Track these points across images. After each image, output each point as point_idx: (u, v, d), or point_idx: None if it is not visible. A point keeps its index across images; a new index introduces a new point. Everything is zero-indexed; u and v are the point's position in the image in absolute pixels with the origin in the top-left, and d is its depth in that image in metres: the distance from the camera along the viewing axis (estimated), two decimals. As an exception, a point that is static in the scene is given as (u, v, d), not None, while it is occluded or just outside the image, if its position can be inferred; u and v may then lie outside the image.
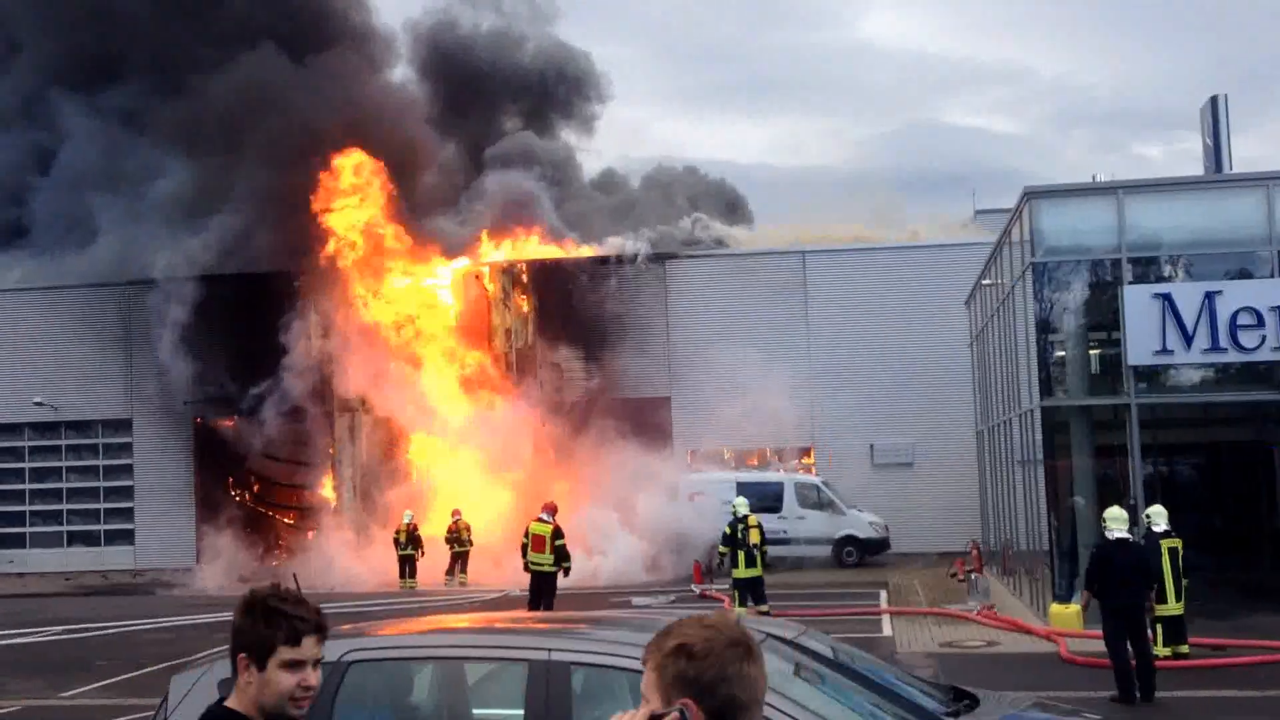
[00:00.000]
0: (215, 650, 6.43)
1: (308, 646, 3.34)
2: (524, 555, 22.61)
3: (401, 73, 44.45)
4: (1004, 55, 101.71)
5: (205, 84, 38.53)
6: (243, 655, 3.35)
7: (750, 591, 21.34)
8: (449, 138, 43.06)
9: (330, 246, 37.22)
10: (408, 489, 36.54)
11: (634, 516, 32.75)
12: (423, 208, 39.57)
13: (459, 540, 32.48)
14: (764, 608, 20.83)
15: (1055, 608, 19.29)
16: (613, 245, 39.54)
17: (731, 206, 45.64)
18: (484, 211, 39.52)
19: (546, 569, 21.96)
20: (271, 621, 3.33)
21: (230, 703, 3.38)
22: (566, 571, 22.47)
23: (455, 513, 33.01)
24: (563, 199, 42.71)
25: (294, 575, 7.88)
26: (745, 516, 21.63)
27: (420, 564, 32.68)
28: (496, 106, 46.46)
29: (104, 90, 42.03)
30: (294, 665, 3.32)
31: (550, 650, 5.42)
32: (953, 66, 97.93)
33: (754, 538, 21.33)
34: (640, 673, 5.45)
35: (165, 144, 39.28)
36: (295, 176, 36.54)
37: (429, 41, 45.37)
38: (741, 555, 21.22)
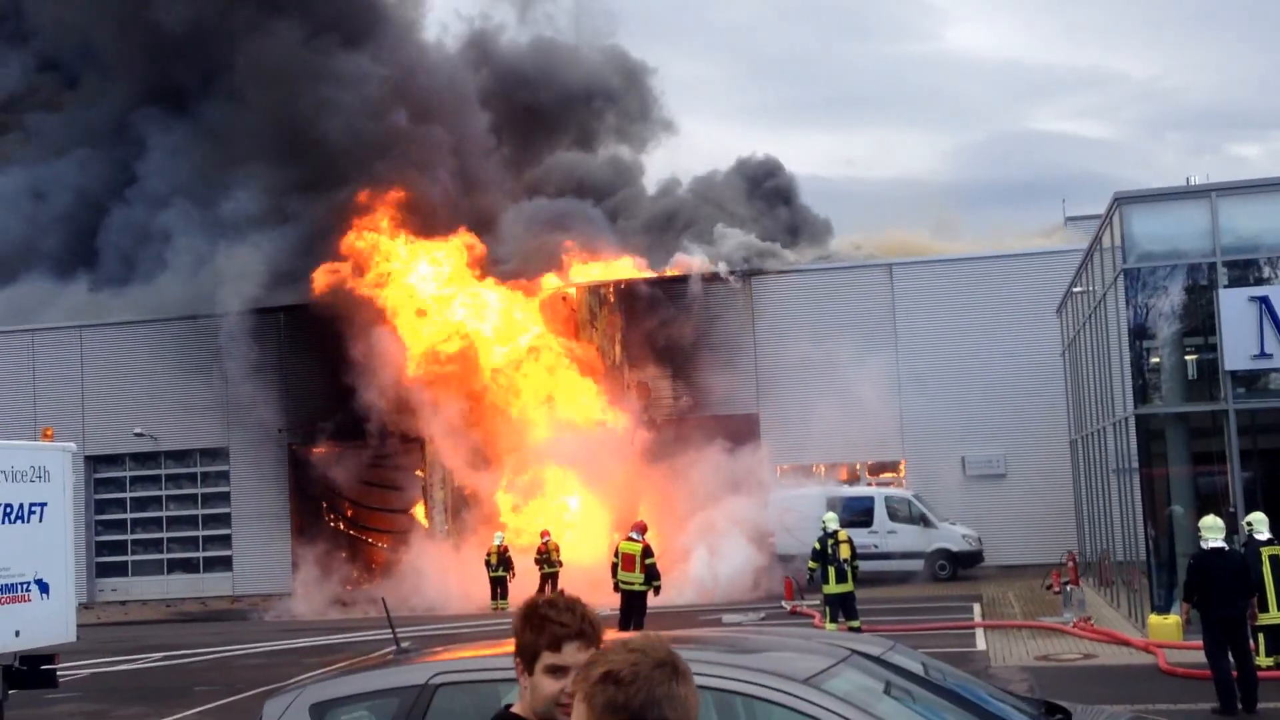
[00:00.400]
0: (307, 675, 6.51)
1: (569, 653, 3.41)
2: (614, 574, 22.64)
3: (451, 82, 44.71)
4: (1093, 60, 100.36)
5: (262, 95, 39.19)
6: (518, 660, 3.50)
7: (841, 607, 21.20)
8: (510, 154, 43.68)
9: (399, 273, 37.73)
10: (496, 511, 36.77)
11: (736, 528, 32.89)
12: (485, 228, 39.88)
13: (548, 561, 32.56)
14: (855, 623, 20.67)
15: (1154, 619, 18.92)
16: (682, 262, 39.69)
17: (793, 221, 45.68)
18: (549, 235, 39.82)
19: (636, 588, 21.95)
20: (537, 628, 3.45)
21: (514, 707, 3.51)
22: (657, 590, 22.45)
23: (544, 533, 33.13)
24: (628, 214, 43.00)
25: (382, 600, 7.98)
26: (835, 531, 21.50)
27: (512, 585, 32.87)
28: (560, 121, 46.89)
29: (180, 112, 43.05)
30: (556, 671, 3.41)
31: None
32: (1041, 73, 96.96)
33: (844, 553, 21.19)
34: (713, 690, 5.43)
35: (238, 163, 39.97)
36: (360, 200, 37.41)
37: (486, 64, 45.80)
38: (832, 570, 21.09)
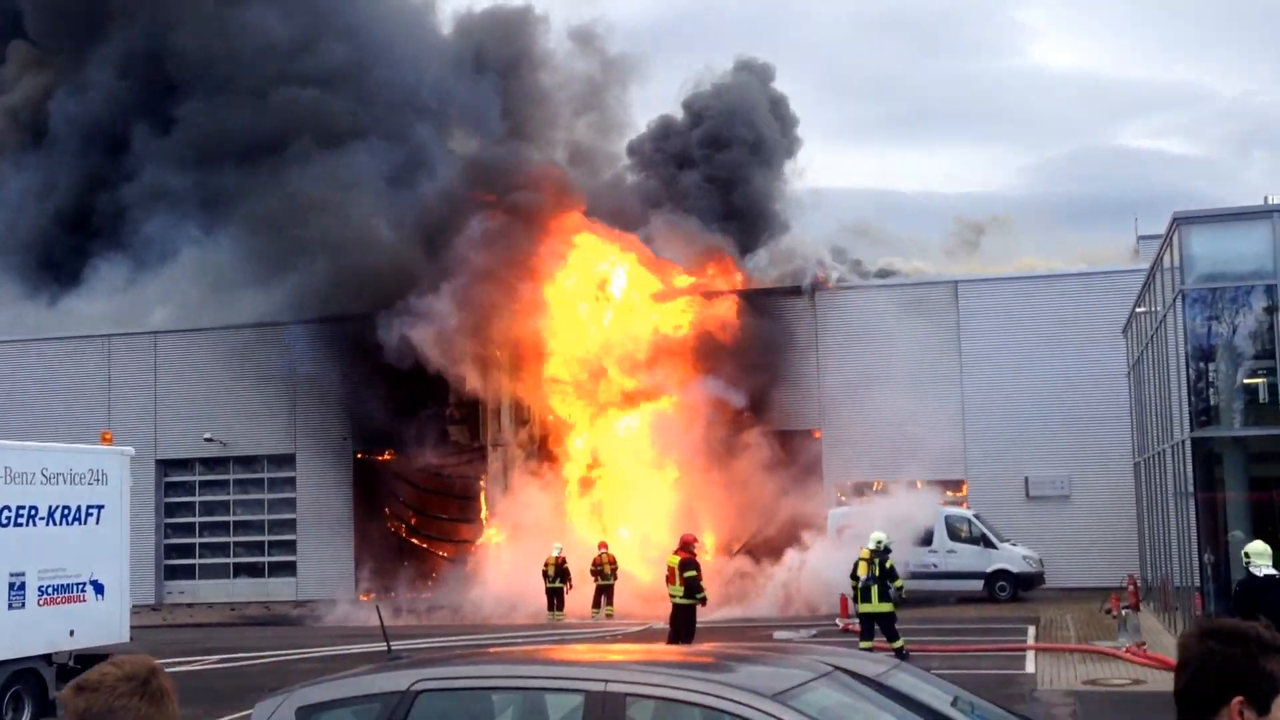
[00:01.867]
0: (317, 679, 6.62)
1: None
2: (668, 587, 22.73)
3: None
4: (1181, 76, 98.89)
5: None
6: (1239, 698, 2.89)
7: (881, 626, 20.90)
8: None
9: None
10: (560, 519, 36.79)
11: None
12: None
13: (602, 573, 32.62)
14: (898, 643, 20.41)
15: (1206, 646, 18.55)
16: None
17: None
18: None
19: (678, 601, 22.01)
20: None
21: None
22: (702, 602, 22.42)
23: (601, 545, 33.21)
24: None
25: (377, 609, 8.10)
26: (875, 548, 21.25)
27: (569, 596, 32.99)
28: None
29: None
30: None
31: (607, 681, 5.50)
32: (1127, 89, 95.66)
33: (873, 570, 20.92)
34: (696, 705, 5.48)
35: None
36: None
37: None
38: (875, 589, 20.82)
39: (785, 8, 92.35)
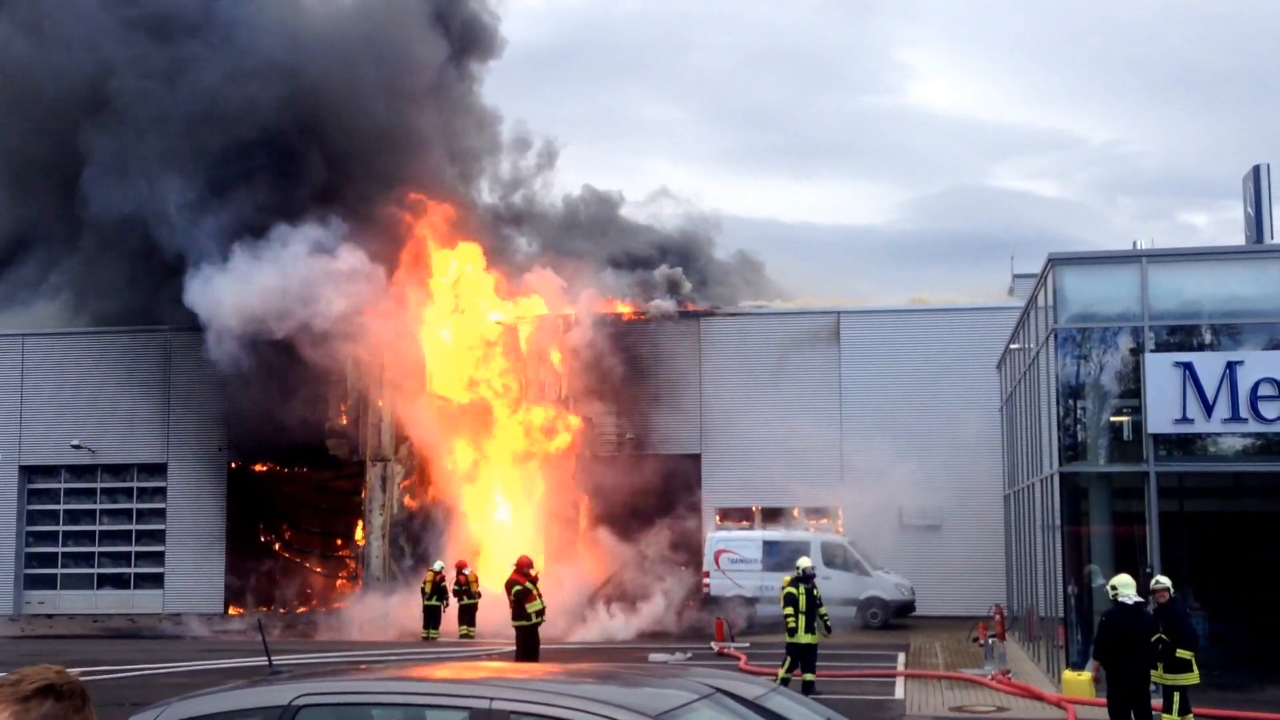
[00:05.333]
0: (195, 692, 6.52)
1: None
2: None
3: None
4: (1053, 122, 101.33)
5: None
6: None
7: (805, 658, 20.31)
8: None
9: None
10: (437, 538, 36.62)
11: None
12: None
13: (467, 592, 32.24)
14: (783, 673, 20.30)
15: (1068, 674, 19.12)
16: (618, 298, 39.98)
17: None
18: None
19: (513, 623, 22.32)
20: None
21: None
22: (531, 619, 22.34)
23: (460, 564, 32.74)
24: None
25: (258, 621, 8.04)
26: (812, 576, 20.78)
27: (446, 615, 32.68)
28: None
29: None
30: None
31: (491, 699, 5.52)
32: (1001, 132, 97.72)
33: (813, 599, 20.51)
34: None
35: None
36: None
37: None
38: (803, 620, 20.19)
39: (674, 36, 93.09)
